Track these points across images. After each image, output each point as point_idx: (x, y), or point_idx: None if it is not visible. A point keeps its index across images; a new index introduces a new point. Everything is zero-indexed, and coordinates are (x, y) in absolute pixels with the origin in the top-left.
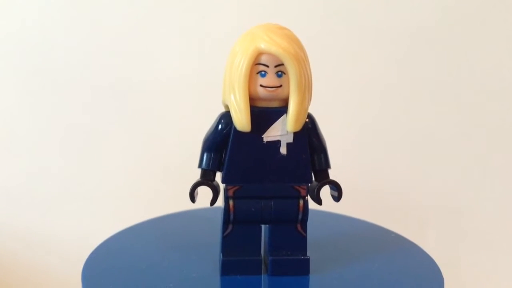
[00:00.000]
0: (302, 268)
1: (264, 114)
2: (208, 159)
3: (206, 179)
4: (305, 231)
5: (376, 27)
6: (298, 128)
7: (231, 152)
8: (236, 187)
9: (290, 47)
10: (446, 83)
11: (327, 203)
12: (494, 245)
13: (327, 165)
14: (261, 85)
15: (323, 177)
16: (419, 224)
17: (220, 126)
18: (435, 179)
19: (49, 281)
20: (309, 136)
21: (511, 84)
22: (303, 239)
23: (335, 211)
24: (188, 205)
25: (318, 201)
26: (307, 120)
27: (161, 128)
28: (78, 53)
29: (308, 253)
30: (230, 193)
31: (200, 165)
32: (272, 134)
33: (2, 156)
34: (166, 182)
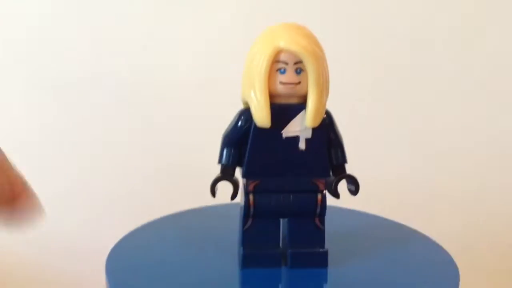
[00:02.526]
0: (321, 260)
1: (283, 110)
2: (228, 155)
3: (226, 174)
4: (323, 224)
5: (379, 26)
6: (316, 123)
7: (251, 148)
8: (256, 182)
9: (309, 45)
10: (454, 80)
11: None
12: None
13: (343, 159)
14: (280, 82)
15: (340, 171)
16: (431, 216)
17: (240, 123)
18: (450, 173)
19: (54, 282)
20: (327, 132)
21: None
22: (321, 232)
23: (347, 206)
24: (200, 202)
25: (336, 195)
26: (325, 116)
27: (170, 125)
28: (79, 55)
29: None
30: (251, 187)
31: (220, 161)
32: (291, 129)
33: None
34: (177, 180)
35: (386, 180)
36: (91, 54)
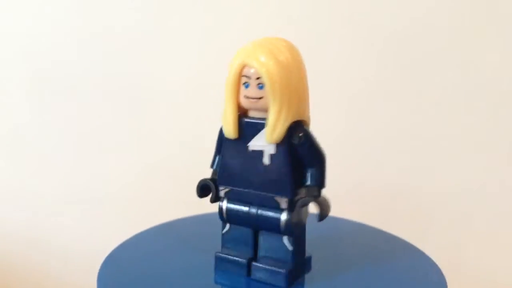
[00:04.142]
0: (279, 281)
1: (252, 124)
2: (215, 160)
3: (211, 177)
4: (293, 244)
5: (376, 26)
6: (274, 140)
7: (222, 156)
8: (227, 189)
9: (267, 62)
10: (452, 84)
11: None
12: (497, 248)
13: (316, 182)
14: (244, 96)
15: (310, 194)
16: (421, 227)
17: (221, 132)
18: (438, 182)
19: (54, 285)
20: (298, 150)
21: None
22: (288, 252)
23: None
24: (193, 211)
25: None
26: (300, 134)
27: (168, 133)
28: (87, 57)
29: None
30: (222, 193)
31: (211, 165)
32: (255, 143)
33: (11, 160)
34: (172, 188)
35: (380, 188)
36: (101, 59)
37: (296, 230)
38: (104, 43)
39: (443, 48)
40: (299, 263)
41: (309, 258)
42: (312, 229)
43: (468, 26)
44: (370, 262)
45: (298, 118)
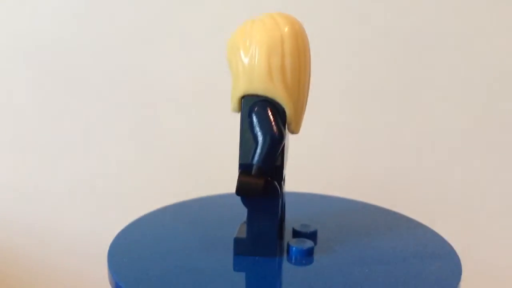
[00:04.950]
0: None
1: None
2: None
3: None
4: (247, 216)
5: (377, 25)
6: (232, 108)
7: None
8: None
9: (230, 39)
10: (460, 74)
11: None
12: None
13: (252, 159)
14: None
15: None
16: (428, 216)
17: None
18: (446, 173)
19: (60, 277)
20: (245, 120)
21: None
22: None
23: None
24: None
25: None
26: (251, 106)
27: (171, 122)
28: (88, 52)
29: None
30: None
31: None
32: None
33: (13, 154)
34: (177, 177)
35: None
36: (101, 54)
37: (248, 202)
38: (109, 39)
39: (445, 46)
40: (257, 240)
41: (311, 249)
42: (318, 208)
43: (469, 26)
44: (378, 238)
45: (252, 93)
